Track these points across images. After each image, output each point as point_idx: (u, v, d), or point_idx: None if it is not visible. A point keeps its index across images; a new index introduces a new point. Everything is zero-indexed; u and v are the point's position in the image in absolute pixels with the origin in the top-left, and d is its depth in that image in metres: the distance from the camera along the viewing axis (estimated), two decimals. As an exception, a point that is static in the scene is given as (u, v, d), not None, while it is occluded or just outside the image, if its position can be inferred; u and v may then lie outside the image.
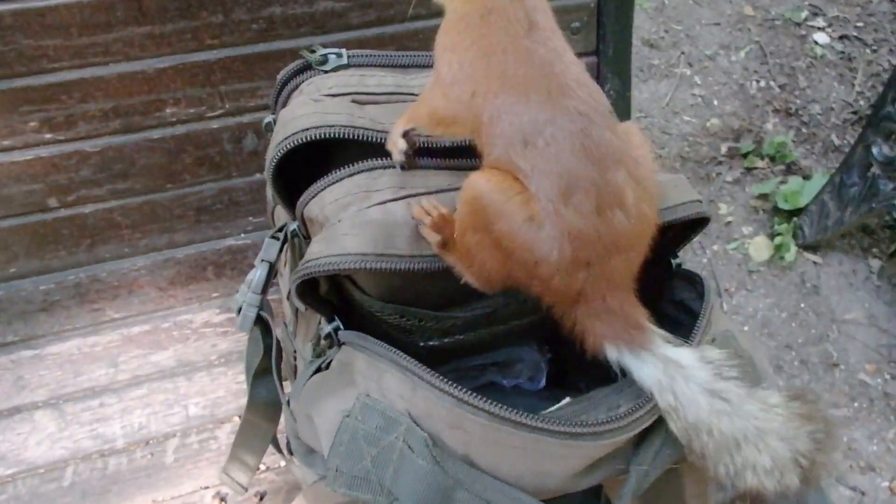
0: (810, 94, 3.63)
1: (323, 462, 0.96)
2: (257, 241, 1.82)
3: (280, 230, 1.12)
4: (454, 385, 0.87)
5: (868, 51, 3.77)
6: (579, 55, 1.79)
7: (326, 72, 1.16)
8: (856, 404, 2.74)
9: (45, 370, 1.80)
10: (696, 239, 1.27)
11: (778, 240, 3.12)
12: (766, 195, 3.27)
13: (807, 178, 3.29)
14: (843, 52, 3.77)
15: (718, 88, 3.62)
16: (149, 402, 1.86)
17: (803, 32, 3.83)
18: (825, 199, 3.04)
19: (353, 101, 1.07)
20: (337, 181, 0.99)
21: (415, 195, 0.96)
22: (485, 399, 0.86)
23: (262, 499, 1.83)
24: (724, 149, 3.42)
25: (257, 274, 1.15)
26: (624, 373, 0.97)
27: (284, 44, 1.64)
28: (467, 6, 0.97)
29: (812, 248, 3.14)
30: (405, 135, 1.00)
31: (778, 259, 3.10)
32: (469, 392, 0.87)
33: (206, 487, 1.82)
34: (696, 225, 1.14)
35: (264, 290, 1.16)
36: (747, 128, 3.48)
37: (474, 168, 0.94)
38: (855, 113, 3.56)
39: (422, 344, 1.10)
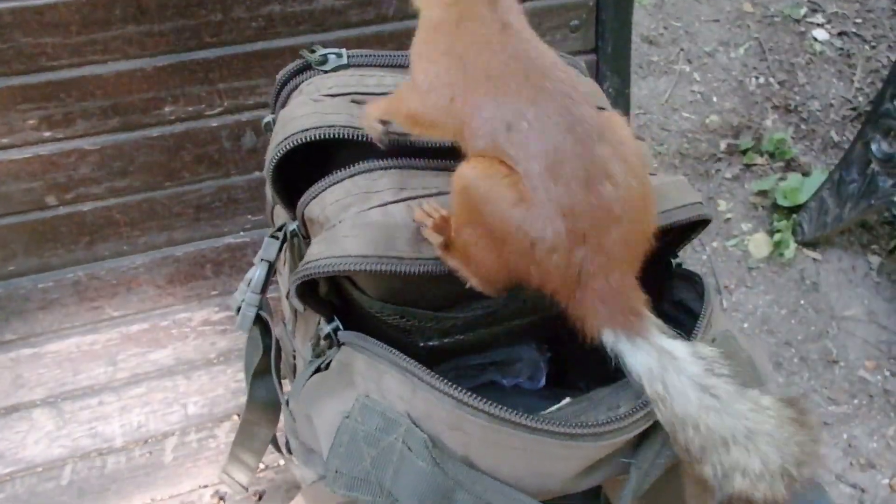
0: (809, 90, 3.62)
1: (322, 461, 0.95)
2: (256, 239, 1.82)
3: (279, 229, 1.12)
4: (454, 386, 0.87)
5: (867, 47, 3.77)
6: (578, 53, 1.80)
7: (326, 72, 1.15)
8: (855, 401, 2.74)
9: (43, 368, 1.80)
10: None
11: (777, 236, 3.11)
12: (766, 192, 3.27)
13: (806, 174, 3.29)
14: (842, 49, 3.77)
15: (718, 85, 3.62)
16: (147, 401, 1.86)
17: (802, 29, 3.83)
18: (824, 196, 3.04)
19: (353, 101, 1.07)
20: (337, 182, 0.98)
21: (415, 197, 0.96)
22: (484, 400, 0.86)
23: (260, 498, 1.83)
24: (723, 145, 3.41)
25: (256, 273, 1.14)
26: (622, 372, 0.96)
27: (283, 42, 1.64)
28: (442, 14, 0.97)
29: (811, 244, 3.13)
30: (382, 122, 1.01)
31: (777, 256, 3.10)
32: (469, 393, 0.86)
33: (205, 486, 1.82)
34: (696, 225, 1.13)
35: (263, 290, 1.16)
36: (746, 124, 3.48)
37: None
38: (854, 109, 3.56)
39: (421, 344, 1.10)
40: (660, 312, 1.04)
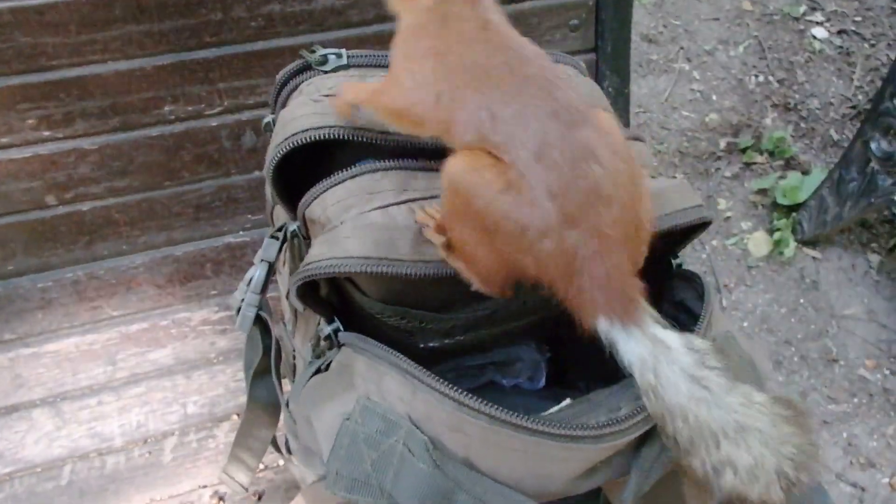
0: (809, 88, 3.62)
1: (322, 462, 0.95)
2: (256, 239, 1.82)
3: (279, 230, 1.12)
4: (454, 388, 0.87)
5: (866, 45, 3.77)
6: (578, 53, 1.81)
7: (326, 72, 1.15)
8: (855, 400, 2.74)
9: (42, 368, 1.80)
10: (696, 235, 1.29)
11: (777, 235, 3.11)
12: (765, 190, 3.27)
13: (805, 173, 3.29)
14: (841, 47, 3.77)
15: (717, 83, 3.62)
16: (147, 401, 1.85)
17: (801, 27, 3.83)
18: (824, 195, 3.04)
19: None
20: (339, 183, 0.98)
21: (417, 199, 0.96)
22: (485, 402, 0.86)
23: (260, 498, 1.83)
24: (722, 144, 3.41)
25: (256, 273, 1.14)
26: (622, 373, 0.96)
27: (283, 41, 1.64)
28: (423, 16, 0.97)
29: (811, 243, 3.13)
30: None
31: (777, 254, 3.10)
32: (469, 395, 0.86)
33: (205, 486, 1.82)
34: (697, 227, 1.13)
35: (263, 290, 1.16)
36: (746, 123, 3.48)
37: None
38: (853, 107, 3.56)
39: (422, 345, 1.10)
40: (660, 312, 1.04)
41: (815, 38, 3.79)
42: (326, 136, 1.01)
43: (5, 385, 1.79)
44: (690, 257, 3.06)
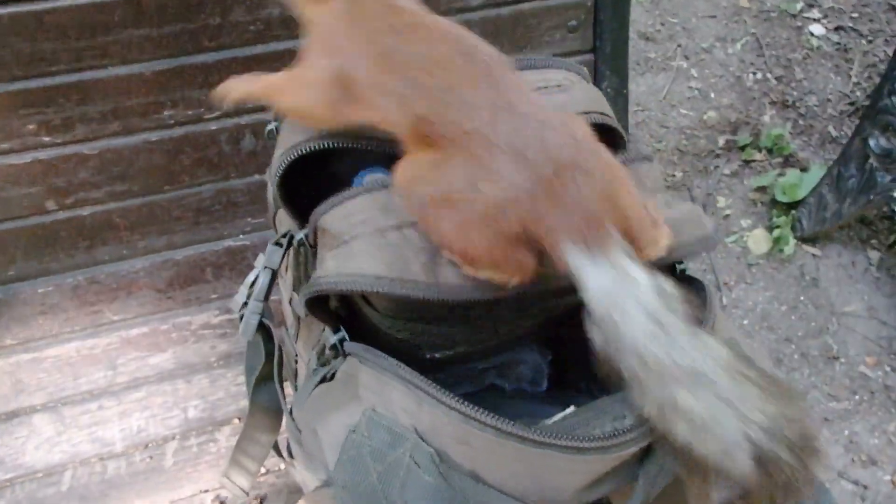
0: (807, 85, 3.62)
1: (324, 468, 0.95)
2: (256, 242, 1.82)
3: (284, 236, 1.12)
4: (460, 400, 0.86)
5: (864, 41, 3.77)
6: (576, 53, 1.80)
7: None
8: (856, 397, 2.74)
9: (43, 373, 1.79)
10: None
11: (776, 232, 3.11)
12: (765, 188, 3.27)
13: (804, 170, 3.29)
14: (838, 44, 3.77)
15: (715, 81, 3.62)
16: (147, 405, 1.85)
17: (799, 24, 3.83)
18: (823, 192, 3.04)
19: None
20: (354, 196, 0.97)
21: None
22: (492, 415, 0.85)
23: (262, 502, 1.83)
24: (721, 141, 3.41)
25: (260, 281, 1.14)
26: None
27: (282, 45, 1.64)
28: (332, 14, 0.99)
29: (811, 240, 3.13)
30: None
31: (777, 252, 3.10)
32: (476, 408, 0.86)
33: (206, 491, 1.82)
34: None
35: (266, 297, 1.15)
36: (744, 120, 3.48)
37: None
38: (852, 104, 3.56)
39: (428, 356, 1.10)
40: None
41: (812, 34, 3.79)
42: (335, 145, 1.01)
43: (6, 390, 1.78)
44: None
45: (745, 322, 2.91)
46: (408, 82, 0.91)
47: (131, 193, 1.69)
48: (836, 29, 3.81)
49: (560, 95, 1.11)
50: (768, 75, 3.64)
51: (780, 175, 3.26)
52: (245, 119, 1.69)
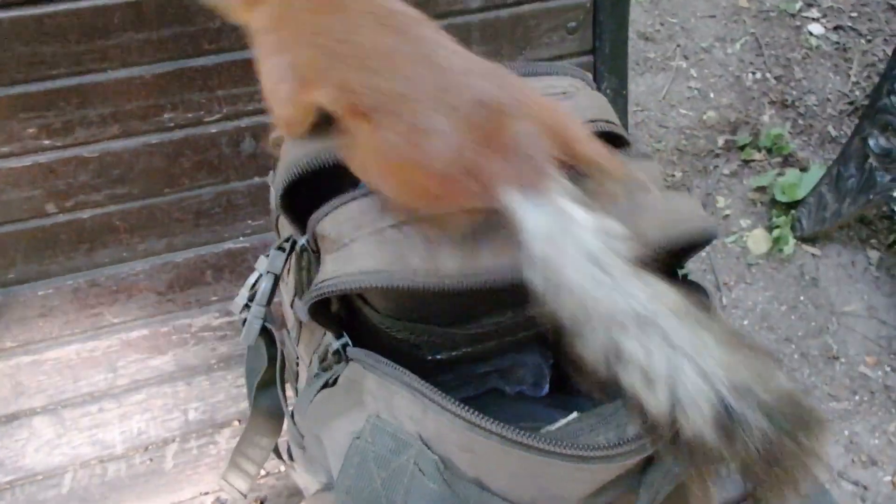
0: (806, 85, 3.63)
1: (325, 471, 0.95)
2: (256, 244, 1.82)
3: (287, 240, 1.12)
4: (466, 408, 0.86)
5: (863, 41, 3.77)
6: (576, 55, 1.80)
7: None
8: (856, 397, 2.74)
9: (43, 376, 1.79)
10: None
11: (776, 232, 3.12)
12: (764, 188, 3.27)
13: (804, 169, 3.29)
14: (837, 43, 3.77)
15: (714, 81, 3.62)
16: (148, 407, 1.85)
17: (798, 23, 3.83)
18: (823, 191, 3.04)
19: None
20: (351, 200, 0.97)
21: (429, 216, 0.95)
22: (496, 422, 0.85)
23: (262, 504, 1.83)
24: (720, 141, 3.41)
25: (263, 285, 1.14)
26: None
27: (282, 48, 1.64)
28: (265, 17, 1.01)
29: (810, 240, 3.14)
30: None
31: (776, 252, 3.10)
32: (481, 415, 0.85)
33: (206, 493, 1.82)
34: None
35: (269, 302, 1.15)
36: (744, 120, 3.48)
37: None
38: (851, 103, 3.56)
39: (430, 357, 1.09)
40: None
41: (811, 34, 3.79)
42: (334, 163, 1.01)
43: (6, 393, 1.78)
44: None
45: (745, 322, 2.91)
46: (329, 57, 0.92)
47: (131, 196, 1.69)
48: (835, 28, 3.81)
49: (565, 102, 1.10)
50: (767, 75, 3.65)
51: (780, 175, 3.27)
52: (245, 122, 1.69)
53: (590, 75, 1.25)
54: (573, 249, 0.82)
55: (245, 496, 1.37)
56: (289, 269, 1.20)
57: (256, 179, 1.75)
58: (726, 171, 3.34)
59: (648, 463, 0.96)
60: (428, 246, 0.92)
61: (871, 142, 2.81)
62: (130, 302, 1.80)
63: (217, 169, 1.72)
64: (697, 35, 3.75)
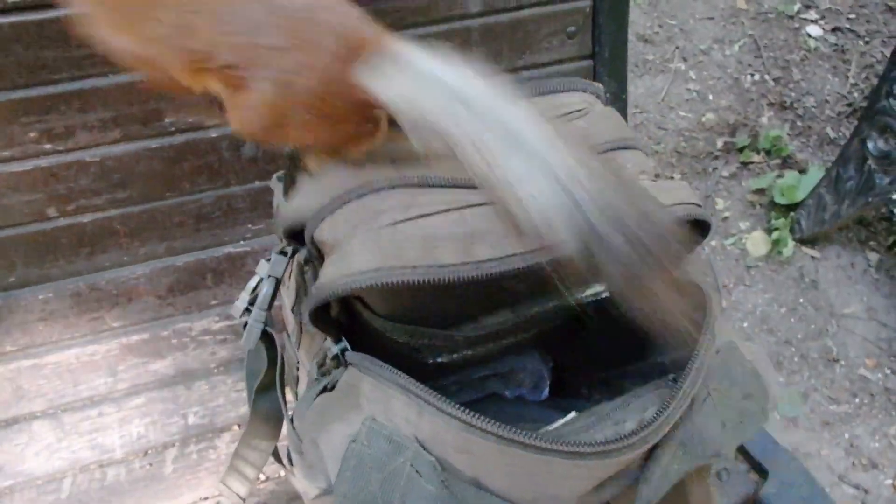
0: (804, 86, 3.63)
1: (324, 476, 0.95)
2: (256, 249, 1.82)
3: (288, 244, 1.12)
4: (461, 408, 0.86)
5: (861, 42, 3.78)
6: (575, 59, 1.81)
7: None
8: (857, 400, 2.74)
9: (43, 380, 1.79)
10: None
11: (775, 234, 3.12)
12: (763, 190, 3.27)
13: (802, 171, 3.30)
14: (836, 45, 3.78)
15: (713, 83, 3.63)
16: (147, 412, 1.85)
17: (796, 25, 3.83)
18: (822, 193, 3.05)
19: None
20: (345, 203, 0.97)
21: (423, 215, 0.95)
22: (492, 422, 0.85)
23: (261, 509, 1.83)
24: (719, 143, 3.42)
25: (264, 290, 1.14)
26: (625, 379, 0.96)
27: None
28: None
29: (810, 242, 3.14)
30: None
31: (776, 254, 3.11)
32: (477, 415, 0.85)
33: (206, 498, 1.82)
34: (697, 233, 1.12)
35: (270, 306, 1.15)
36: (742, 122, 3.49)
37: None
38: (849, 105, 3.56)
39: (430, 361, 1.10)
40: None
41: (809, 35, 3.79)
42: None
43: (6, 397, 1.78)
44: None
45: (745, 324, 2.92)
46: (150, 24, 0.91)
47: (132, 200, 1.69)
48: (834, 30, 3.82)
49: (580, 121, 1.10)
50: (766, 77, 3.65)
51: (779, 177, 3.27)
52: (245, 126, 1.69)
53: (599, 86, 1.24)
54: (435, 92, 0.86)
55: (244, 500, 1.37)
56: (290, 274, 1.20)
57: (257, 183, 1.75)
58: (725, 173, 3.34)
59: (646, 460, 0.96)
60: (425, 241, 0.92)
61: (870, 144, 2.82)
62: (131, 306, 1.80)
63: (218, 173, 1.72)
64: (696, 37, 3.76)
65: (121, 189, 1.67)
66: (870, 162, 2.81)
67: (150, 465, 1.83)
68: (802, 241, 3.12)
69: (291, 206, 1.04)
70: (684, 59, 3.68)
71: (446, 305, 0.99)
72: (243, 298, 1.18)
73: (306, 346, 1.20)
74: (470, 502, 0.87)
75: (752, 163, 3.36)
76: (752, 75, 3.65)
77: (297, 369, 1.28)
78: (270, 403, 1.27)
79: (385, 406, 0.91)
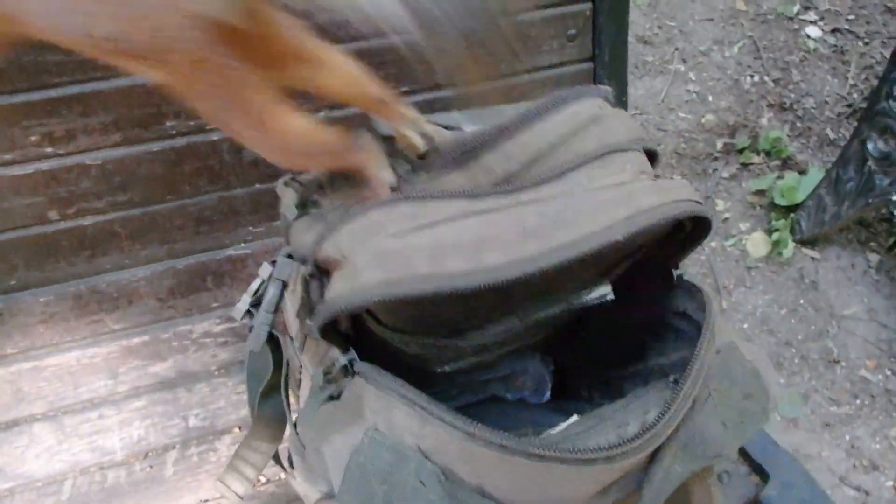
0: (804, 87, 3.63)
1: (326, 481, 0.95)
2: (256, 251, 1.82)
3: None
4: (464, 419, 0.86)
5: (860, 43, 3.78)
6: (575, 62, 1.81)
7: None
8: (857, 401, 2.74)
9: (44, 382, 1.79)
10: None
11: (775, 235, 3.12)
12: (763, 191, 3.27)
13: (802, 172, 3.30)
14: (835, 46, 3.78)
15: (713, 84, 3.62)
16: (148, 414, 1.85)
17: (795, 26, 3.83)
18: (822, 194, 3.05)
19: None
20: (351, 218, 0.97)
21: (430, 224, 0.95)
22: (496, 432, 0.85)
23: (261, 511, 1.83)
24: (719, 144, 3.42)
25: (271, 292, 1.14)
26: (625, 381, 0.95)
27: (282, 55, 1.64)
28: None
29: (810, 243, 3.14)
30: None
31: (776, 255, 3.11)
32: (479, 425, 0.85)
33: (206, 501, 1.82)
34: (697, 235, 1.12)
35: (276, 309, 1.15)
36: (742, 123, 3.49)
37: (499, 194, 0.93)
38: (849, 106, 3.56)
39: (437, 370, 1.10)
40: (664, 324, 1.03)
41: (809, 37, 3.79)
42: None
43: (6, 399, 1.78)
44: (689, 259, 3.06)
45: (745, 326, 2.92)
46: None
47: (133, 203, 1.69)
48: (833, 31, 3.82)
49: (596, 128, 1.10)
50: (766, 78, 3.65)
51: (779, 178, 3.27)
52: (247, 129, 1.69)
53: (608, 88, 1.24)
54: None
55: (241, 498, 1.37)
56: (295, 277, 1.20)
57: (258, 186, 1.75)
58: (725, 175, 3.34)
59: (650, 463, 0.96)
60: (433, 250, 0.92)
61: (870, 145, 2.82)
62: (131, 308, 1.80)
63: (219, 176, 1.72)
64: (695, 38, 3.76)
65: (122, 192, 1.67)
66: (870, 163, 2.82)
67: (151, 467, 1.83)
68: (802, 243, 3.12)
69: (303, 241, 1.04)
70: (684, 61, 3.68)
71: (454, 314, 0.99)
72: (245, 300, 1.18)
73: (310, 351, 1.20)
74: (475, 510, 0.87)
75: (752, 164, 3.36)
76: (752, 76, 3.65)
77: (300, 372, 1.28)
78: (274, 407, 1.27)
79: (388, 416, 0.91)
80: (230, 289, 1.85)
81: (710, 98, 3.55)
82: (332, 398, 1.01)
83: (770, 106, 3.55)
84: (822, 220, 3.02)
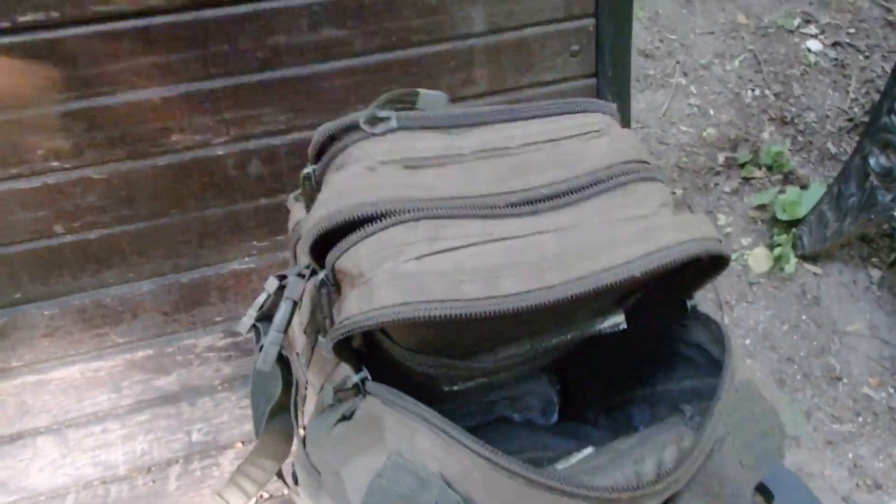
0: (805, 101, 3.63)
1: (329, 498, 0.95)
2: (261, 266, 1.82)
3: (306, 267, 1.11)
4: (489, 448, 0.85)
5: (861, 57, 3.78)
6: (579, 78, 1.82)
7: (375, 135, 1.13)
8: (860, 419, 2.74)
9: (48, 395, 1.79)
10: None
11: (777, 251, 3.12)
12: (765, 205, 3.27)
13: (804, 187, 3.30)
14: (836, 59, 3.78)
15: (714, 97, 3.63)
16: (151, 428, 1.85)
17: (796, 40, 3.84)
18: (824, 209, 3.05)
19: (406, 168, 1.05)
20: (370, 235, 0.97)
21: (450, 249, 0.94)
22: (520, 463, 0.84)
23: (262, 528, 1.82)
24: (721, 158, 3.42)
25: (281, 311, 1.13)
26: (630, 404, 0.95)
27: (289, 72, 1.64)
28: None
29: (812, 258, 3.14)
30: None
31: (778, 270, 3.11)
32: (505, 456, 0.85)
33: (209, 515, 1.82)
34: (713, 268, 1.11)
35: (286, 328, 1.15)
36: (744, 137, 3.49)
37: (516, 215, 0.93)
38: (850, 120, 3.57)
39: (446, 389, 1.09)
40: (675, 353, 1.03)
41: (809, 50, 3.80)
42: (378, 212, 1.00)
43: (11, 412, 1.78)
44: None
45: (747, 342, 2.92)
46: None
47: (138, 217, 1.69)
48: (834, 45, 3.82)
49: (599, 140, 1.10)
50: (766, 91, 3.65)
51: (781, 192, 3.27)
52: (252, 144, 1.68)
53: (614, 106, 1.23)
54: None
55: None
56: (303, 295, 1.20)
57: (263, 201, 1.75)
58: (727, 189, 3.34)
59: (669, 499, 0.95)
60: (451, 275, 0.91)
61: (872, 160, 2.82)
62: (135, 322, 1.80)
63: (224, 191, 1.72)
64: (696, 52, 3.76)
65: (127, 206, 1.67)
66: (871, 178, 2.82)
67: (154, 481, 1.83)
68: (804, 258, 3.12)
69: (313, 217, 1.03)
70: (685, 74, 3.68)
71: (467, 337, 0.99)
72: (251, 314, 1.18)
73: (316, 367, 1.20)
74: (497, 540, 0.86)
75: (753, 178, 3.36)
76: (753, 90, 3.65)
77: (305, 388, 1.28)
78: (282, 424, 1.27)
79: (410, 441, 0.90)
80: (234, 303, 1.85)
81: (712, 112, 3.55)
82: (344, 418, 1.01)
83: (771, 120, 3.55)
84: (823, 236, 3.02)
